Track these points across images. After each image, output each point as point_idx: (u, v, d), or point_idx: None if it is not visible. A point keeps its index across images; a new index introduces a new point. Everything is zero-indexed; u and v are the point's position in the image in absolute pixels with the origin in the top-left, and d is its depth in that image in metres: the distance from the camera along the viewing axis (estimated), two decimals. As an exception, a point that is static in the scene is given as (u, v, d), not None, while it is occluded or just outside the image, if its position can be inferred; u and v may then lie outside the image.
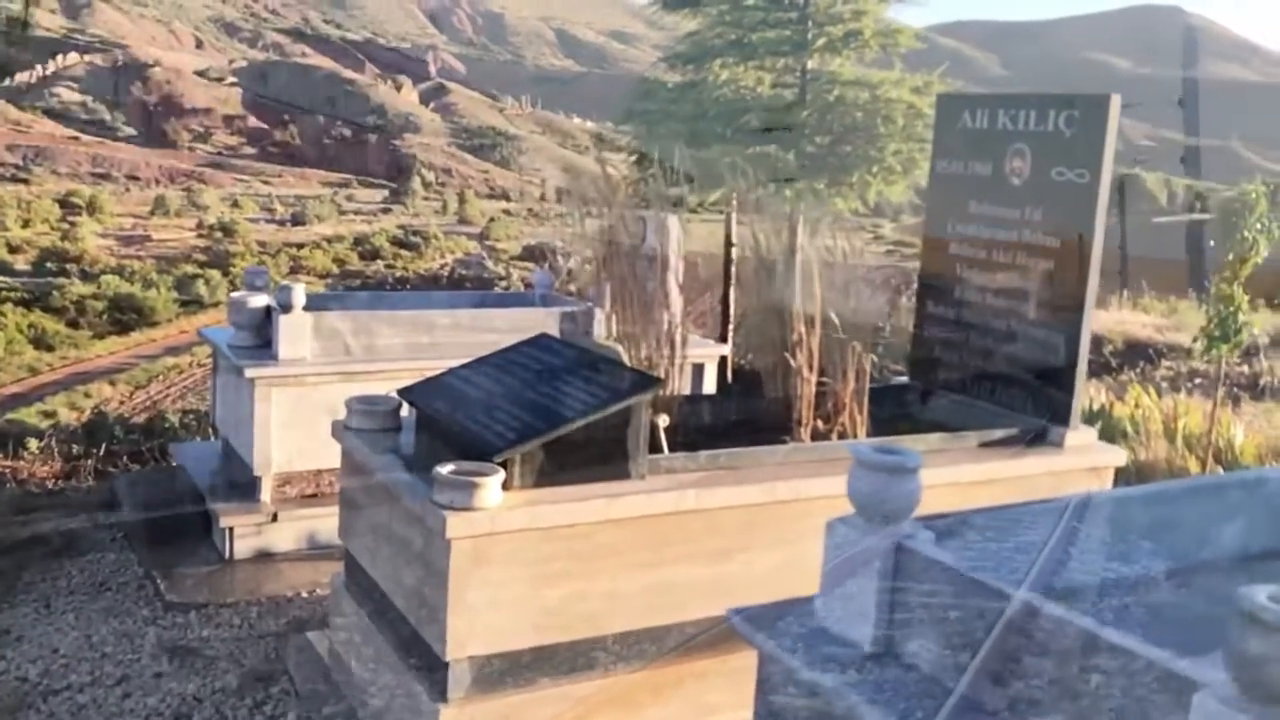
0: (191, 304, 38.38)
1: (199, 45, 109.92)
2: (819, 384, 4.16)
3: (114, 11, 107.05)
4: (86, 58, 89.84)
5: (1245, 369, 12.37)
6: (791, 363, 4.11)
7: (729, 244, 10.09)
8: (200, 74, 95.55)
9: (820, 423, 4.19)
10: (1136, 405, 8.30)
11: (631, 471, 3.51)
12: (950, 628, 2.00)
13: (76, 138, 73.54)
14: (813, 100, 9.05)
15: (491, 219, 64.26)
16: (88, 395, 27.05)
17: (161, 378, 29.35)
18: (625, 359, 3.88)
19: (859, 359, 4.16)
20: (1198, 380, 11.39)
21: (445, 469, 3.21)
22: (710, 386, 6.31)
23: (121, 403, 26.20)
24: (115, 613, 4.78)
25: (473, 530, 3.16)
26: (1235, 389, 10.82)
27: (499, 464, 3.26)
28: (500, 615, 3.27)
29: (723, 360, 6.72)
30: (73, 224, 52.47)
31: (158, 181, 68.74)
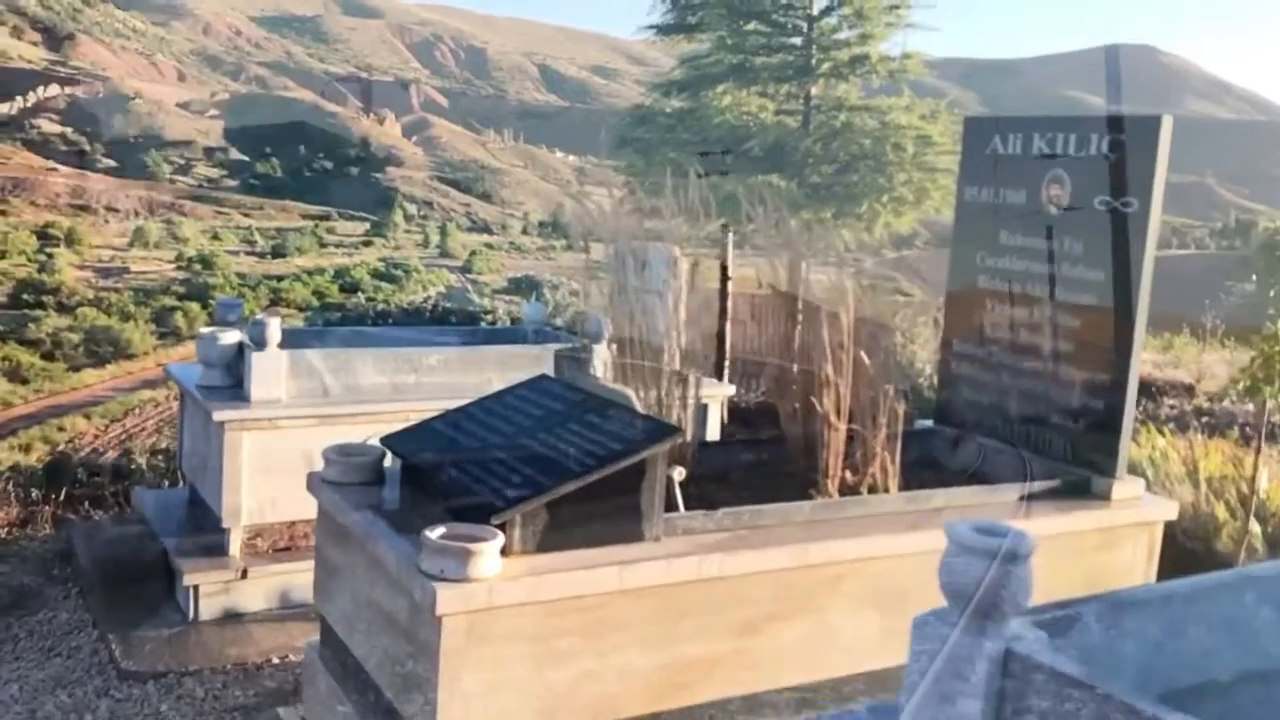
0: (169, 336, 37.94)
1: (181, 78, 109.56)
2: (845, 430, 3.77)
3: (96, 44, 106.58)
4: (68, 89, 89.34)
5: (1250, 407, 12.04)
6: (818, 407, 3.72)
7: (725, 277, 9.70)
8: (182, 106, 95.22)
9: (848, 474, 3.80)
10: (1153, 447, 7.93)
11: (645, 533, 3.10)
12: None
13: (55, 169, 72.91)
14: (817, 127, 8.75)
15: (473, 252, 64.11)
16: (61, 429, 26.52)
17: (138, 411, 28.82)
18: (636, 403, 3.48)
19: (891, 403, 3.78)
20: (1204, 419, 11.06)
21: (435, 533, 2.79)
22: (714, 428, 5.91)
23: (96, 436, 25.62)
24: (64, 683, 4.31)
25: (467, 605, 2.74)
26: (1246, 429, 10.49)
27: (497, 526, 2.85)
28: (500, 700, 2.85)
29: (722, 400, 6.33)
30: (50, 255, 51.84)
31: (137, 213, 68.22)
